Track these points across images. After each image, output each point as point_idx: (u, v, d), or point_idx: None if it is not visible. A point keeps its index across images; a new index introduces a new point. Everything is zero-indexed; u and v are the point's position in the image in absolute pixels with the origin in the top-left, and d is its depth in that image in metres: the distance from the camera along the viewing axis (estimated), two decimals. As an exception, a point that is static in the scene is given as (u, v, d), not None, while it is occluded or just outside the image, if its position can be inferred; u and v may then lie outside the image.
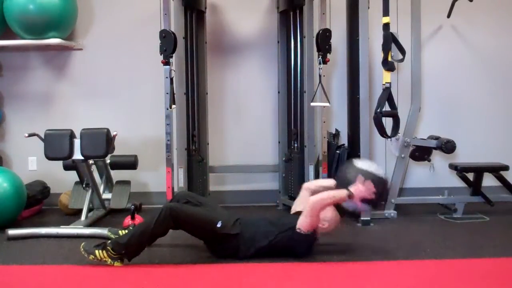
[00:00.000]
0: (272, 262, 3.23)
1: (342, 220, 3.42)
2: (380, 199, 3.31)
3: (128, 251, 3.14)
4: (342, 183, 3.29)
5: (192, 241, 3.39)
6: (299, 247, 3.29)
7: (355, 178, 3.23)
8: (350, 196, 3.17)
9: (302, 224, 3.23)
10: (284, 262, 3.23)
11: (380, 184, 3.25)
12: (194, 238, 3.34)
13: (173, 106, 4.06)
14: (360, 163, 3.36)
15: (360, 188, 3.19)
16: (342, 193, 3.19)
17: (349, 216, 3.32)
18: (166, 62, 4.00)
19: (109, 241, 3.20)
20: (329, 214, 3.30)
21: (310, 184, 3.66)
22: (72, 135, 4.02)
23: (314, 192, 3.39)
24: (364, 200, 3.20)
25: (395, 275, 3.08)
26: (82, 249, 3.16)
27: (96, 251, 3.13)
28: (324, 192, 3.24)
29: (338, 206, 3.28)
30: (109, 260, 3.12)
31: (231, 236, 3.24)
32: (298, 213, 3.35)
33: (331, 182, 3.48)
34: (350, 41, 4.42)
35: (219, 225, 3.22)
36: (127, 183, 4.67)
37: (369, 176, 3.23)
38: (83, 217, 4.11)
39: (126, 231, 3.50)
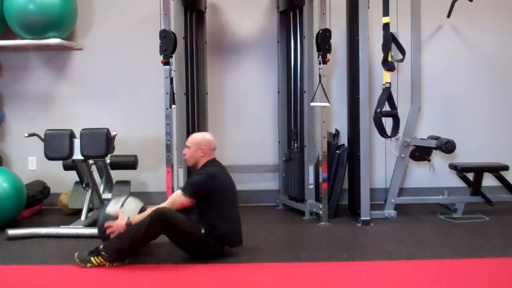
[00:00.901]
0: (272, 262, 3.24)
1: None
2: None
3: (120, 255, 3.16)
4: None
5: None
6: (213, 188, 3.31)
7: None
8: (129, 222, 3.20)
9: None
10: (284, 262, 3.23)
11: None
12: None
13: (173, 106, 4.06)
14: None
15: (118, 231, 3.21)
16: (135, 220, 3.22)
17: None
18: (166, 62, 4.00)
19: (101, 246, 3.20)
20: (192, 150, 3.41)
21: None
22: (72, 135, 4.02)
23: None
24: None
25: (395, 275, 3.08)
26: (77, 260, 3.17)
27: (92, 258, 3.14)
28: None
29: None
30: (107, 263, 3.14)
31: (211, 236, 3.26)
32: None
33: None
34: (350, 41, 4.42)
35: (203, 231, 3.24)
36: (127, 183, 4.67)
37: (101, 233, 3.32)
38: (83, 217, 4.12)
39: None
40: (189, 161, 3.47)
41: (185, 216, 3.28)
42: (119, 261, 3.16)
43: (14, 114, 4.99)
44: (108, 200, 3.54)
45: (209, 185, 3.31)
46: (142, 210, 3.41)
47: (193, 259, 3.28)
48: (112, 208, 3.37)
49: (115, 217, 3.26)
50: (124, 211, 3.31)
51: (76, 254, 3.20)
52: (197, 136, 3.50)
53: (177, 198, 3.28)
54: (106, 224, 3.24)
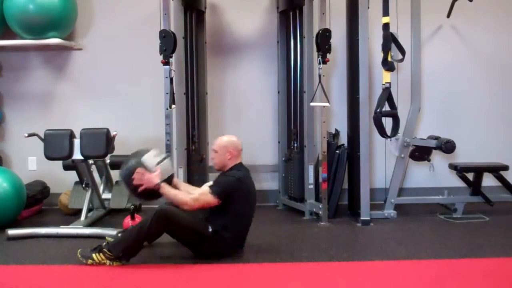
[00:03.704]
0: (272, 262, 3.24)
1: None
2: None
3: (125, 253, 3.16)
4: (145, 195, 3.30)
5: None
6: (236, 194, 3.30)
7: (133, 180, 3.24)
8: (159, 186, 3.20)
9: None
10: (284, 262, 3.24)
11: (128, 172, 3.24)
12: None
13: (173, 106, 4.06)
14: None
15: (144, 182, 3.20)
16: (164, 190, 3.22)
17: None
18: (166, 62, 4.00)
19: (104, 243, 3.22)
20: (220, 153, 3.36)
21: None
22: (72, 135, 4.02)
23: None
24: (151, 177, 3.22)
25: (395, 275, 3.08)
26: (79, 256, 3.18)
27: (94, 255, 3.15)
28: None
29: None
30: (108, 261, 3.14)
31: (220, 236, 3.25)
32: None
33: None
34: (350, 41, 4.42)
35: (210, 229, 3.24)
36: (127, 183, 4.67)
37: (126, 175, 3.25)
38: (82, 217, 4.11)
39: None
40: (218, 165, 3.41)
41: (189, 214, 3.27)
42: (120, 260, 3.15)
43: (14, 114, 4.99)
44: (142, 153, 3.29)
45: (237, 189, 3.29)
46: (171, 177, 3.34)
47: (197, 258, 3.27)
48: (150, 159, 3.24)
49: (149, 169, 3.19)
50: (160, 169, 3.23)
51: (79, 250, 3.21)
52: (223, 140, 3.43)
53: (204, 195, 3.22)
54: (139, 170, 3.18)
